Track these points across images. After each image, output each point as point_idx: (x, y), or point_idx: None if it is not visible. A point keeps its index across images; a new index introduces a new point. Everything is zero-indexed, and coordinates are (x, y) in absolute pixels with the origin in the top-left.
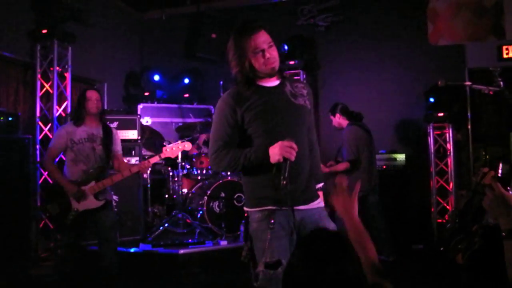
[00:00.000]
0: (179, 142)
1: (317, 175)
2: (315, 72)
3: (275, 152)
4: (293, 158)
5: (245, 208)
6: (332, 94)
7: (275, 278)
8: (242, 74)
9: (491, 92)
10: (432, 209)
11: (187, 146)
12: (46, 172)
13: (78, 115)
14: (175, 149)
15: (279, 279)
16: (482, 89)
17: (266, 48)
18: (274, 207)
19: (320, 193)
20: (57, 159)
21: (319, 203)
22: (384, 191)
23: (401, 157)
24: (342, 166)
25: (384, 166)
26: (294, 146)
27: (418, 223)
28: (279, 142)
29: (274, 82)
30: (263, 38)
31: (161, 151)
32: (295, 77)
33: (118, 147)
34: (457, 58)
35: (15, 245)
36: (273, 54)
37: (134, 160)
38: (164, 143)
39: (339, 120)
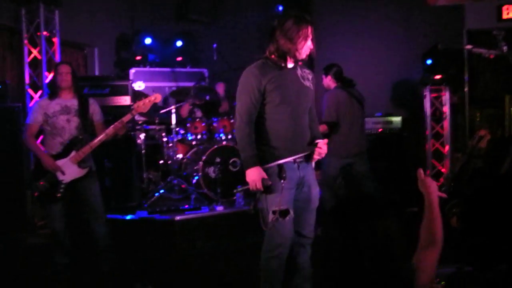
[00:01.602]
0: (149, 96)
1: (318, 139)
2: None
3: (250, 177)
4: (254, 190)
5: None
6: (326, 56)
7: (282, 223)
8: (279, 51)
9: (491, 56)
10: (428, 172)
11: (157, 98)
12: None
13: (51, 88)
14: (146, 103)
15: (285, 223)
16: (483, 53)
17: (311, 40)
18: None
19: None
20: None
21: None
22: (379, 154)
23: (397, 120)
24: (320, 128)
25: (380, 129)
26: (259, 186)
27: (413, 186)
28: (257, 173)
29: (291, 64)
30: (312, 31)
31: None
32: None
33: (97, 117)
34: (455, 19)
35: (11, 214)
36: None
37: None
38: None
39: (329, 82)
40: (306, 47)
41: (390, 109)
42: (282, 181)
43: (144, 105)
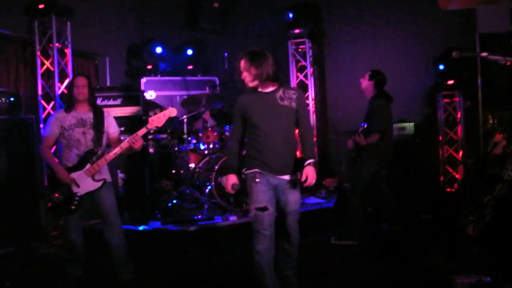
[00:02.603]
0: (164, 110)
1: (307, 153)
2: (321, 41)
3: (226, 183)
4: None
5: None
6: (338, 63)
7: (261, 216)
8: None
9: (508, 63)
10: (441, 178)
11: (172, 112)
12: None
13: (67, 101)
14: (160, 117)
15: (264, 217)
16: (499, 60)
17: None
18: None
19: (310, 168)
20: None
21: (288, 178)
22: (393, 161)
23: (409, 126)
24: (375, 137)
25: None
26: (229, 189)
27: (427, 193)
28: (230, 179)
29: (268, 89)
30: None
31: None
32: (301, 46)
33: (112, 129)
34: (467, 23)
35: (25, 224)
36: (246, 77)
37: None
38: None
39: (369, 86)
40: (245, 76)
41: (402, 115)
42: (257, 184)
43: (159, 119)
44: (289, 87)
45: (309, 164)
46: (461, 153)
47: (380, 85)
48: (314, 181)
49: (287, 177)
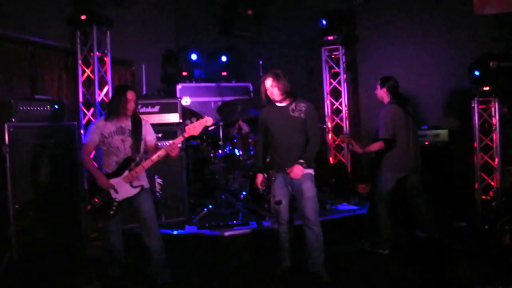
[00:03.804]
0: (200, 119)
1: (304, 154)
2: (354, 46)
3: (256, 181)
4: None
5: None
6: (371, 69)
7: (278, 209)
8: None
9: None
10: (476, 186)
11: (209, 121)
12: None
13: (111, 110)
14: (197, 126)
15: (280, 209)
16: None
17: (268, 88)
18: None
19: (296, 165)
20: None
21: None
22: (426, 168)
23: (444, 133)
24: (376, 145)
25: (426, 142)
26: (259, 186)
27: (462, 200)
28: (258, 177)
29: (283, 103)
30: (267, 80)
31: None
32: (334, 53)
33: (150, 137)
34: (502, 27)
35: (66, 227)
36: (273, 93)
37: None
38: (187, 122)
39: (383, 94)
40: (270, 93)
41: (437, 122)
42: (274, 182)
43: (195, 128)
44: (301, 100)
45: (297, 162)
46: (496, 160)
47: (393, 89)
48: (297, 175)
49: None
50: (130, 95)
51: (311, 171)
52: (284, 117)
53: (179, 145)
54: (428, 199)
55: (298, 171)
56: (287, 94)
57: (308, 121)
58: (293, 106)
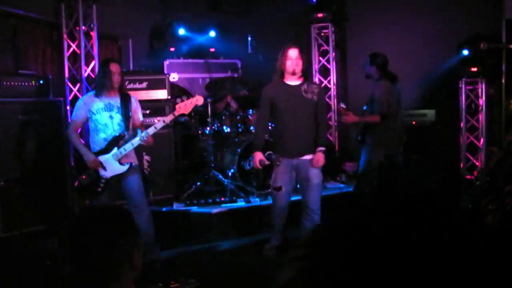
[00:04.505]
0: (191, 97)
1: (321, 141)
2: (343, 24)
3: (254, 159)
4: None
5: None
6: (359, 47)
7: (277, 195)
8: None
9: None
10: (461, 165)
11: (199, 100)
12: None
13: (99, 87)
14: (188, 105)
15: (279, 195)
16: None
17: (293, 59)
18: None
19: (320, 154)
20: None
21: (310, 157)
22: (413, 147)
23: (430, 112)
24: (373, 118)
25: (414, 122)
26: (257, 165)
27: (446, 179)
28: (256, 155)
29: (295, 82)
30: (294, 52)
31: (175, 109)
32: (324, 31)
33: (137, 115)
34: (493, 8)
35: (53, 204)
36: (297, 65)
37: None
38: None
39: (372, 71)
40: (290, 65)
41: (424, 101)
42: (278, 166)
43: (186, 106)
44: (313, 82)
45: (319, 151)
46: (482, 140)
47: (382, 67)
48: (321, 164)
49: (308, 156)
50: (114, 67)
51: None
52: (296, 98)
53: (166, 123)
54: (412, 178)
55: (322, 159)
56: (303, 72)
57: (320, 104)
58: (305, 86)
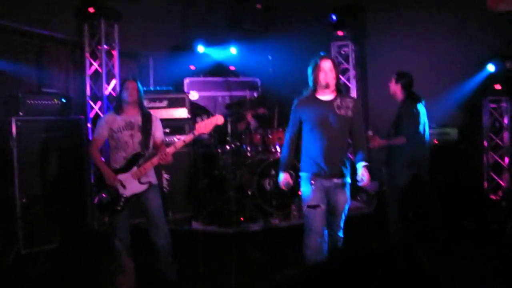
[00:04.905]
0: (211, 117)
1: (362, 156)
2: (363, 42)
3: (281, 180)
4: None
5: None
6: (380, 65)
7: (313, 214)
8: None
9: None
10: (485, 185)
11: (219, 120)
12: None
13: (117, 104)
14: (208, 124)
15: (316, 214)
16: None
17: (327, 72)
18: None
19: (366, 170)
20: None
21: (340, 181)
22: (435, 167)
23: (453, 131)
24: (399, 140)
25: (435, 140)
26: (282, 186)
27: (470, 200)
28: (283, 177)
29: (328, 97)
30: (327, 63)
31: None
32: (344, 49)
33: (158, 133)
34: None
35: (73, 221)
36: (331, 77)
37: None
38: (198, 119)
39: (397, 89)
40: (324, 77)
41: (446, 120)
42: (311, 185)
43: (206, 126)
44: (346, 95)
45: (365, 166)
46: (507, 160)
47: (407, 87)
48: (369, 181)
49: (338, 180)
50: (129, 84)
51: (348, 179)
52: (329, 114)
53: (186, 143)
54: (435, 198)
55: (368, 176)
56: (336, 85)
57: (356, 120)
58: (338, 101)
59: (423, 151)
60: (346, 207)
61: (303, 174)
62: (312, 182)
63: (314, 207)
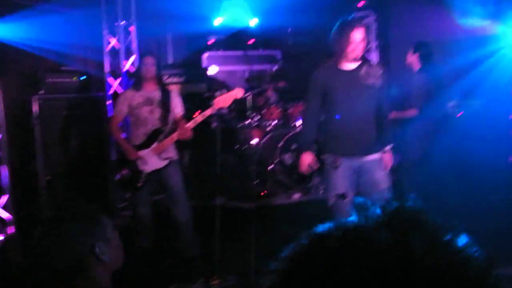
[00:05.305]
0: (231, 91)
1: (386, 138)
2: (385, 12)
3: (302, 162)
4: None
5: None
6: (404, 36)
7: (341, 205)
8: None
9: None
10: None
11: (239, 93)
12: None
13: (136, 80)
14: (227, 98)
15: (343, 205)
16: None
17: (356, 42)
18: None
19: (388, 154)
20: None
21: (376, 157)
22: (458, 139)
23: (476, 103)
24: (411, 112)
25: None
26: (304, 169)
27: (496, 173)
28: (305, 158)
29: (352, 65)
30: (360, 32)
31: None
32: (365, 19)
33: (177, 109)
34: None
35: (95, 196)
36: (360, 47)
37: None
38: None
39: (414, 60)
40: (353, 50)
41: (470, 92)
42: (337, 169)
43: (225, 100)
44: (373, 63)
45: (388, 150)
46: None
47: (425, 57)
48: (390, 166)
49: (373, 156)
50: (147, 59)
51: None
52: (355, 84)
53: (205, 117)
54: (459, 171)
55: (390, 161)
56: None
57: (384, 89)
58: (364, 70)
59: (434, 124)
60: (387, 185)
61: (327, 157)
62: (337, 164)
63: (342, 197)
